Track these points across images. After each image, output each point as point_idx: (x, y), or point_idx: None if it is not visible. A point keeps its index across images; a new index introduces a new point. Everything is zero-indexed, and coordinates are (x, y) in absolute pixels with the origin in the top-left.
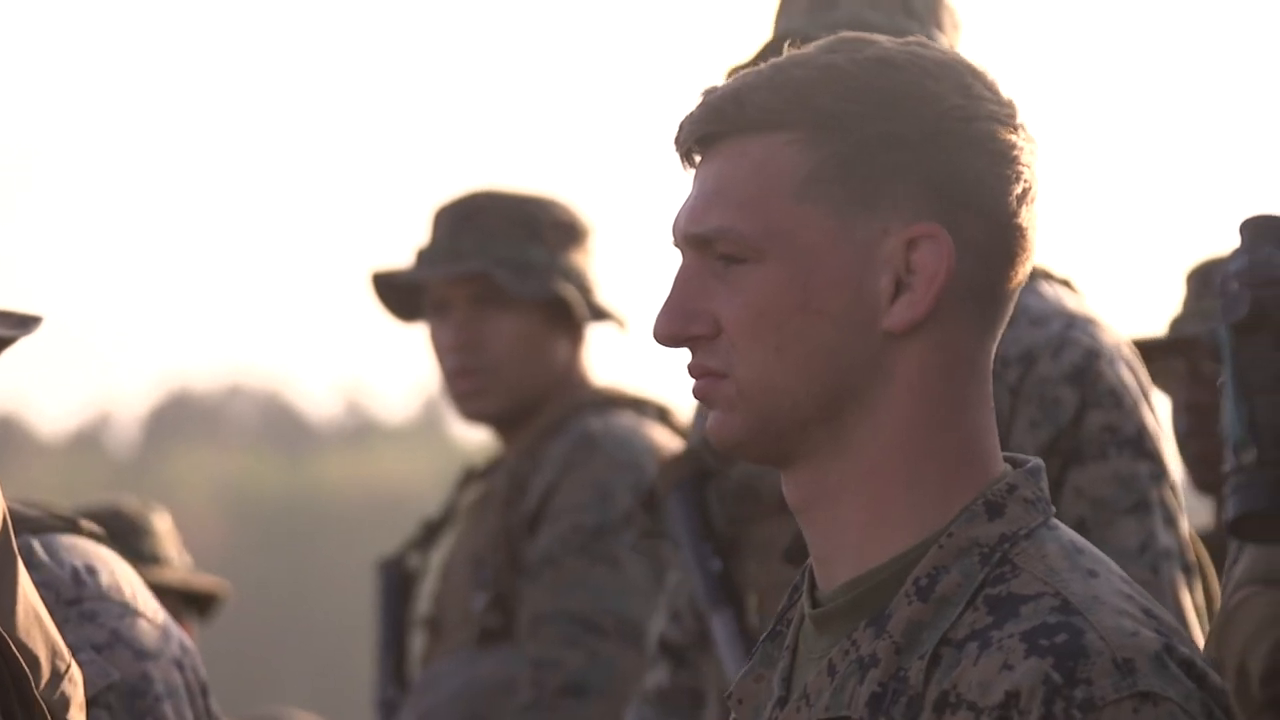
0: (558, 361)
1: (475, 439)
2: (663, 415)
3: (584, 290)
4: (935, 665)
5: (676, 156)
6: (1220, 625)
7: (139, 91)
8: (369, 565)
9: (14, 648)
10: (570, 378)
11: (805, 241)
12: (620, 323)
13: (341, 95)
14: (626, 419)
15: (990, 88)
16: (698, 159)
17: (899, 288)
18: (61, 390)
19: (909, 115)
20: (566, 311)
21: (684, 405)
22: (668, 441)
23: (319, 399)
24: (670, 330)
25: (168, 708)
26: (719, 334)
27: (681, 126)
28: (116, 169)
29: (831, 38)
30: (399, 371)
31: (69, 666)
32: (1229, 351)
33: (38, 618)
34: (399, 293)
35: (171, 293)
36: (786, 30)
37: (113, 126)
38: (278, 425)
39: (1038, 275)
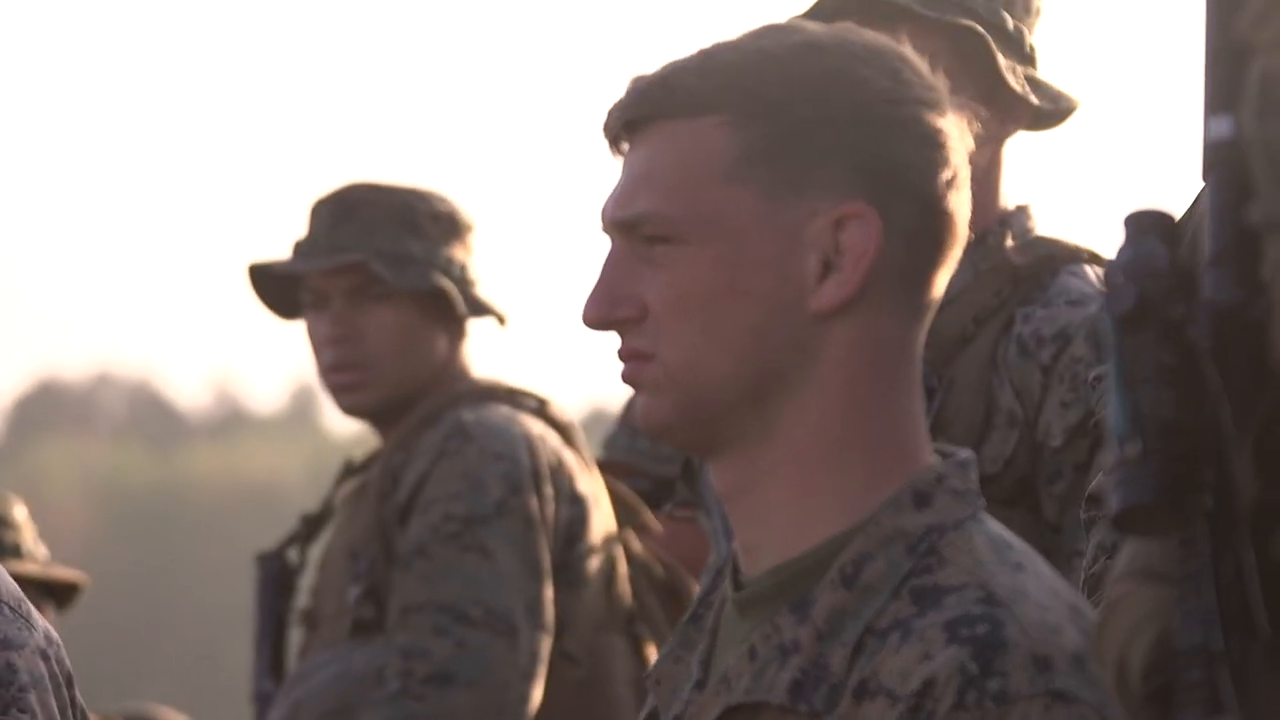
0: (436, 355)
1: (347, 431)
2: (540, 407)
3: (464, 284)
4: (859, 653)
5: (605, 143)
6: (1101, 619)
7: (9, 78)
8: (237, 557)
9: None
10: (449, 371)
11: (733, 223)
12: (500, 317)
13: (219, 84)
14: (501, 410)
15: (919, 72)
16: (625, 146)
17: (827, 268)
18: None
19: (837, 98)
20: (446, 305)
21: (564, 400)
22: (543, 433)
23: (189, 389)
24: (598, 314)
25: (32, 698)
26: (645, 317)
27: (609, 112)
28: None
29: (761, 25)
30: (270, 362)
31: None
32: (1114, 344)
33: None
34: (276, 285)
35: (40, 280)
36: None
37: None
38: (146, 415)
39: (1082, 258)
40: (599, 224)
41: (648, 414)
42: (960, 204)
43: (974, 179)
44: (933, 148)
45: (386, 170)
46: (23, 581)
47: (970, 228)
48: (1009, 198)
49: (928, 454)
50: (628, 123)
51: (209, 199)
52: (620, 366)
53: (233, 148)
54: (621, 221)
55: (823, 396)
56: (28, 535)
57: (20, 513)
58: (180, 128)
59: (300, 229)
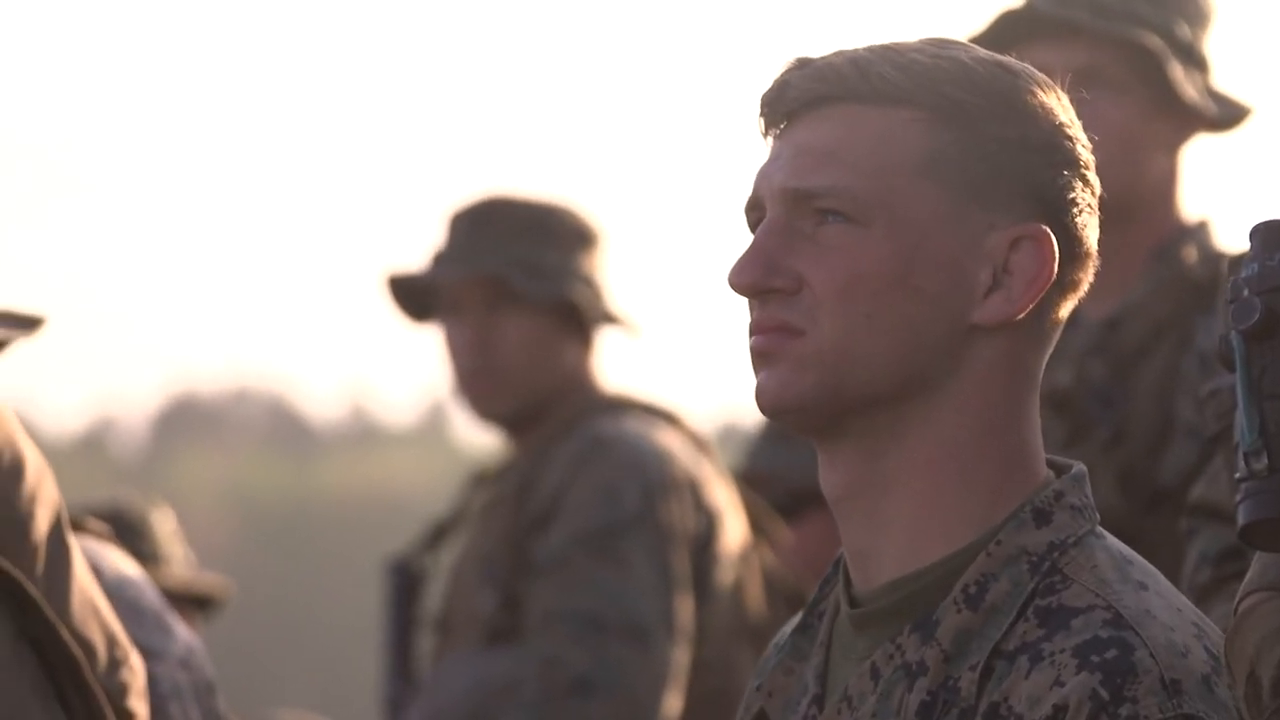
0: (568, 364)
1: (479, 442)
2: (671, 421)
3: (595, 295)
4: (987, 676)
5: (760, 119)
6: (1231, 631)
7: (149, 93)
8: (372, 567)
9: (67, 635)
10: (580, 381)
11: (916, 217)
12: (631, 328)
13: (355, 97)
14: (636, 423)
15: (1069, 107)
16: (783, 124)
17: (994, 283)
18: (67, 392)
19: (1025, 122)
20: (577, 315)
21: (692, 412)
22: (678, 446)
23: (324, 402)
24: (752, 278)
25: (174, 707)
26: (799, 290)
27: (786, 84)
28: (125, 171)
29: (929, 38)
30: (404, 375)
31: (127, 655)
32: (1240, 358)
33: (94, 608)
34: (412, 295)
35: (179, 295)
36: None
37: (122, 129)
38: (283, 428)
39: None
40: (750, 197)
41: (782, 389)
42: (1094, 239)
43: (1152, 189)
44: (1087, 183)
45: (519, 181)
46: (168, 590)
47: (1148, 238)
48: (1188, 210)
49: (1044, 470)
50: (813, 99)
51: (344, 212)
52: (754, 336)
53: (368, 162)
54: (798, 191)
55: (960, 409)
56: (173, 543)
57: (166, 521)
58: (318, 142)
59: (433, 242)
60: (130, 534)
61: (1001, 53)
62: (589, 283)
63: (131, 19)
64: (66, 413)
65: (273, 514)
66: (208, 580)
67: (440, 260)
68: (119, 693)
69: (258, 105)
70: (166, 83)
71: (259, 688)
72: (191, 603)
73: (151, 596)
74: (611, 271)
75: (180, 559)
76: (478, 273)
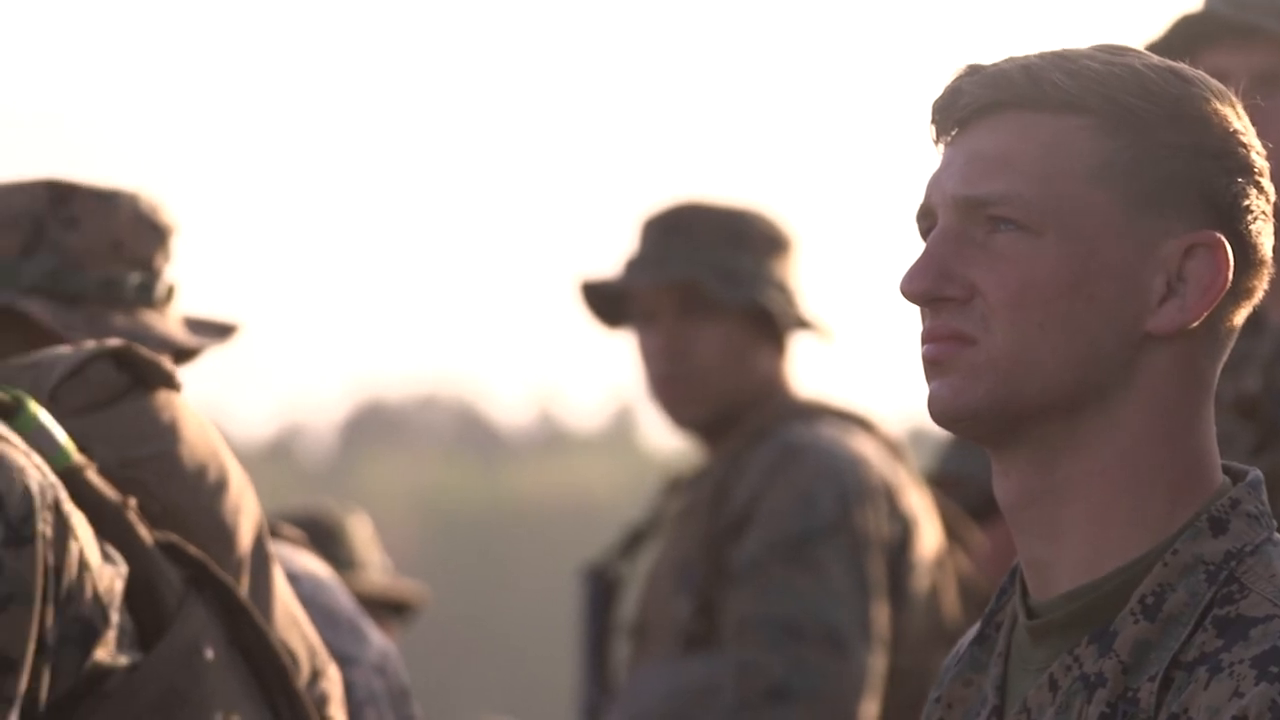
0: (761, 370)
1: (667, 448)
2: (866, 426)
3: (788, 300)
4: (1166, 688)
5: (931, 126)
6: None
7: (334, 100)
8: (559, 572)
9: (276, 642)
10: (774, 386)
11: (1089, 225)
12: (824, 333)
13: (550, 101)
14: (830, 429)
15: (1244, 116)
16: (954, 131)
17: (1169, 291)
18: (256, 399)
19: (1200, 129)
20: (771, 321)
21: (881, 416)
22: (872, 451)
23: (512, 408)
24: (924, 287)
25: (369, 713)
26: (971, 298)
27: (958, 91)
28: (315, 178)
29: (1102, 44)
30: (592, 380)
31: (326, 665)
32: None
33: (294, 619)
34: (605, 301)
35: (367, 301)
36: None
37: (313, 136)
38: (471, 434)
39: None
40: (922, 205)
41: (956, 398)
42: (1269, 246)
43: None
44: (1261, 191)
45: (712, 187)
46: (364, 596)
47: None
48: None
49: (1219, 477)
50: (983, 106)
51: (533, 218)
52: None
53: (560, 167)
54: (970, 199)
55: (1135, 418)
56: (369, 549)
57: (362, 527)
58: (509, 147)
59: (626, 248)
60: (326, 540)
61: (1180, 58)
62: (782, 288)
63: (322, 20)
64: (255, 419)
65: (460, 520)
66: (404, 586)
67: (633, 266)
68: (320, 702)
69: (450, 110)
70: (360, 90)
71: (447, 694)
72: (388, 609)
73: (346, 602)
74: (804, 276)
75: (376, 565)
76: (671, 279)
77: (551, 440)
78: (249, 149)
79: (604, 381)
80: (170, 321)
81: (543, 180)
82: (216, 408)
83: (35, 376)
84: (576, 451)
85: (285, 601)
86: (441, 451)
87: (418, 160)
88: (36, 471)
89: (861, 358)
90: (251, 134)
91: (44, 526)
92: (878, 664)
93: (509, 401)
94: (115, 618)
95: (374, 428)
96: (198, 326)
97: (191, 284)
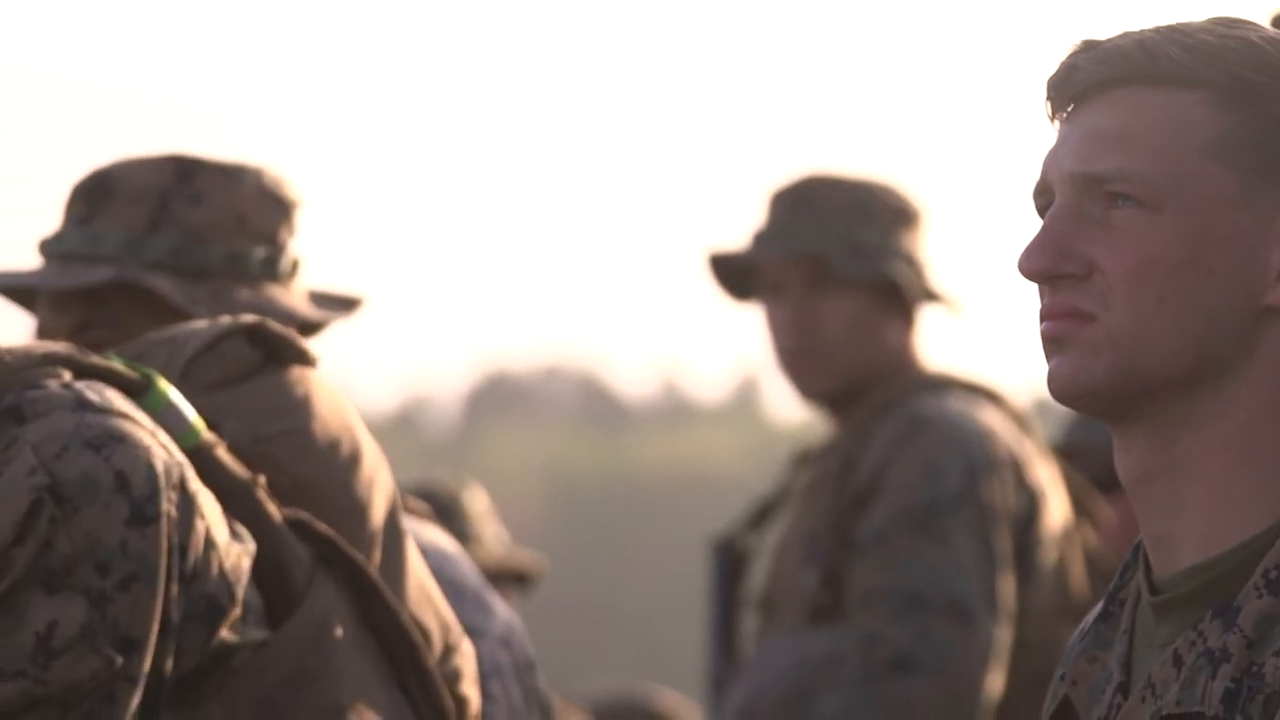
0: (889, 343)
1: (791, 420)
2: (994, 399)
3: (916, 272)
4: None
5: (1046, 102)
6: None
7: (456, 69)
8: (682, 543)
9: (407, 620)
10: (902, 359)
11: (1206, 199)
12: (952, 305)
13: (676, 73)
14: (958, 401)
15: None
16: (1070, 107)
17: None
18: (381, 371)
19: None
20: (899, 293)
21: (1006, 387)
22: (1000, 424)
23: (636, 379)
24: (1043, 265)
25: (495, 685)
26: (1090, 275)
27: (1073, 68)
28: (439, 151)
29: (1217, 17)
30: (715, 351)
31: (459, 641)
32: None
33: (427, 594)
34: (733, 273)
35: (491, 273)
36: None
37: (431, 106)
38: (594, 405)
39: None
40: (1039, 182)
41: (1075, 374)
42: None
43: None
44: None
45: (840, 159)
46: (483, 569)
47: None
48: None
49: None
50: (1099, 82)
51: (656, 189)
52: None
53: (685, 139)
54: (1087, 175)
55: (1254, 392)
56: (486, 522)
57: (478, 500)
58: (632, 119)
59: (752, 220)
60: (443, 514)
61: None
62: (910, 261)
63: (469, 5)
64: (380, 392)
65: (584, 491)
66: (521, 556)
67: (761, 239)
68: (453, 678)
69: (578, 81)
70: (483, 59)
71: (572, 666)
72: (507, 580)
73: (472, 575)
74: (933, 248)
75: (492, 538)
76: (799, 252)
77: (675, 412)
78: (372, 121)
79: (728, 353)
80: (295, 295)
81: (668, 152)
82: (341, 381)
83: (170, 352)
84: (700, 423)
85: (418, 577)
86: (565, 424)
87: (543, 130)
88: (162, 450)
89: (987, 328)
90: (374, 106)
91: (168, 505)
92: (1003, 636)
93: (633, 373)
94: (241, 595)
95: (498, 400)
96: (323, 300)
97: (316, 257)
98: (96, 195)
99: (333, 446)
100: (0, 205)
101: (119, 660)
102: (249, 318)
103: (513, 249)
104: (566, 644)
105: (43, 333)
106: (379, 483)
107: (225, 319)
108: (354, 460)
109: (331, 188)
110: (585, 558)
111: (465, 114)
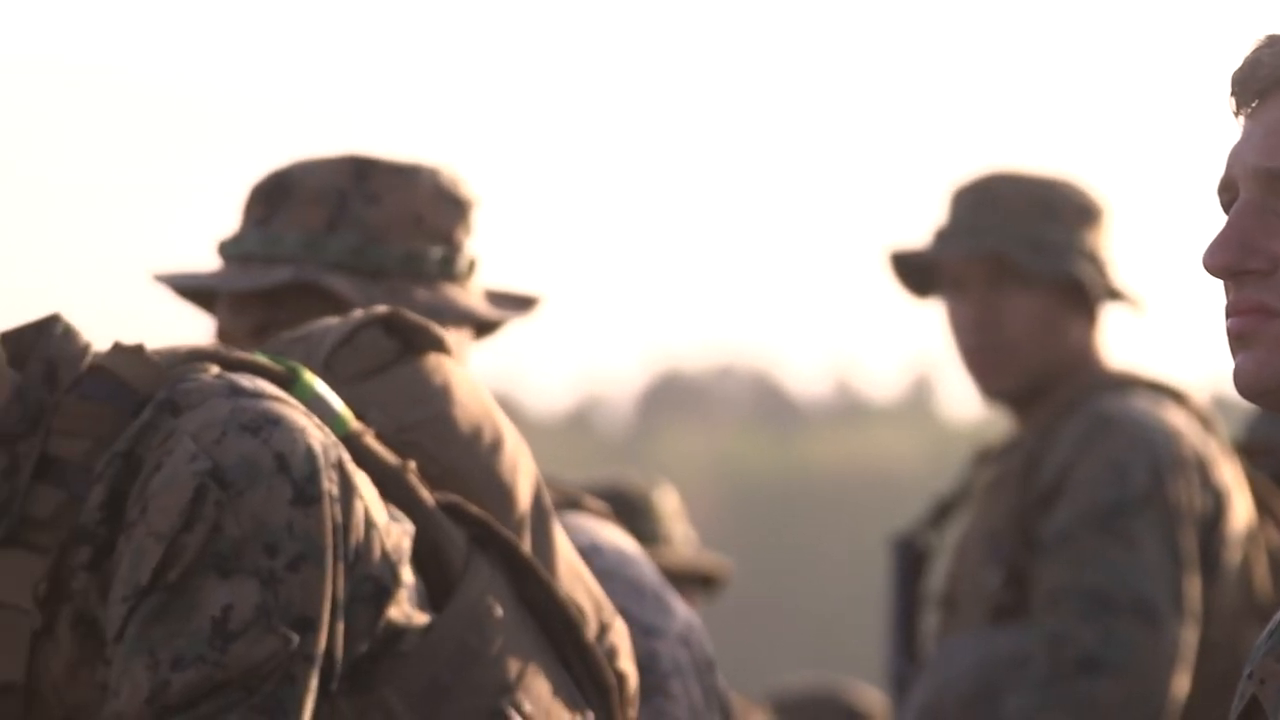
0: (1072, 341)
1: (966, 418)
2: (1178, 398)
3: (1099, 270)
4: None
5: (1231, 98)
6: None
7: (630, 70)
8: (856, 543)
9: (564, 598)
10: (1085, 358)
11: None
12: (1136, 303)
13: (854, 70)
14: (1143, 400)
15: None
16: (1254, 103)
17: None
18: (555, 370)
19: None
20: (1082, 291)
21: (1194, 388)
22: (1185, 424)
23: (809, 378)
24: (1226, 261)
25: (675, 684)
26: (1275, 271)
27: (1257, 63)
28: (612, 149)
29: None
30: (889, 350)
31: (613, 619)
32: None
33: (578, 573)
34: (913, 271)
35: (665, 272)
36: None
37: (605, 105)
38: (767, 404)
39: None
40: (1223, 177)
41: (1260, 370)
42: None
43: None
44: None
45: (1020, 156)
46: (671, 570)
47: None
48: None
49: None
50: None
51: (831, 189)
52: (1230, 319)
53: (862, 137)
54: (1272, 171)
55: None
56: (675, 523)
57: (668, 500)
58: (806, 117)
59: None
60: (631, 513)
61: None
62: (1093, 258)
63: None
64: (554, 391)
65: (757, 490)
66: (709, 559)
67: (944, 237)
68: (610, 655)
69: (753, 78)
70: (657, 59)
71: (748, 664)
72: (693, 581)
73: (651, 574)
74: (1117, 246)
75: (681, 538)
76: (981, 250)
77: (849, 410)
78: (546, 121)
79: (902, 351)
80: (472, 295)
81: (844, 149)
82: (515, 380)
83: (307, 348)
84: (874, 422)
85: (568, 556)
86: (738, 422)
87: (717, 128)
88: (318, 432)
89: (1165, 324)
90: (548, 106)
91: (329, 485)
92: (1189, 637)
93: (806, 371)
94: (405, 576)
95: (672, 398)
96: (499, 299)
97: (491, 256)
98: (275, 196)
99: (475, 432)
100: (184, 210)
101: (295, 639)
102: (382, 309)
103: (687, 247)
104: (743, 643)
105: (222, 334)
106: (522, 467)
107: (359, 311)
108: (496, 445)
109: (507, 187)
110: (758, 557)
111: (640, 112)
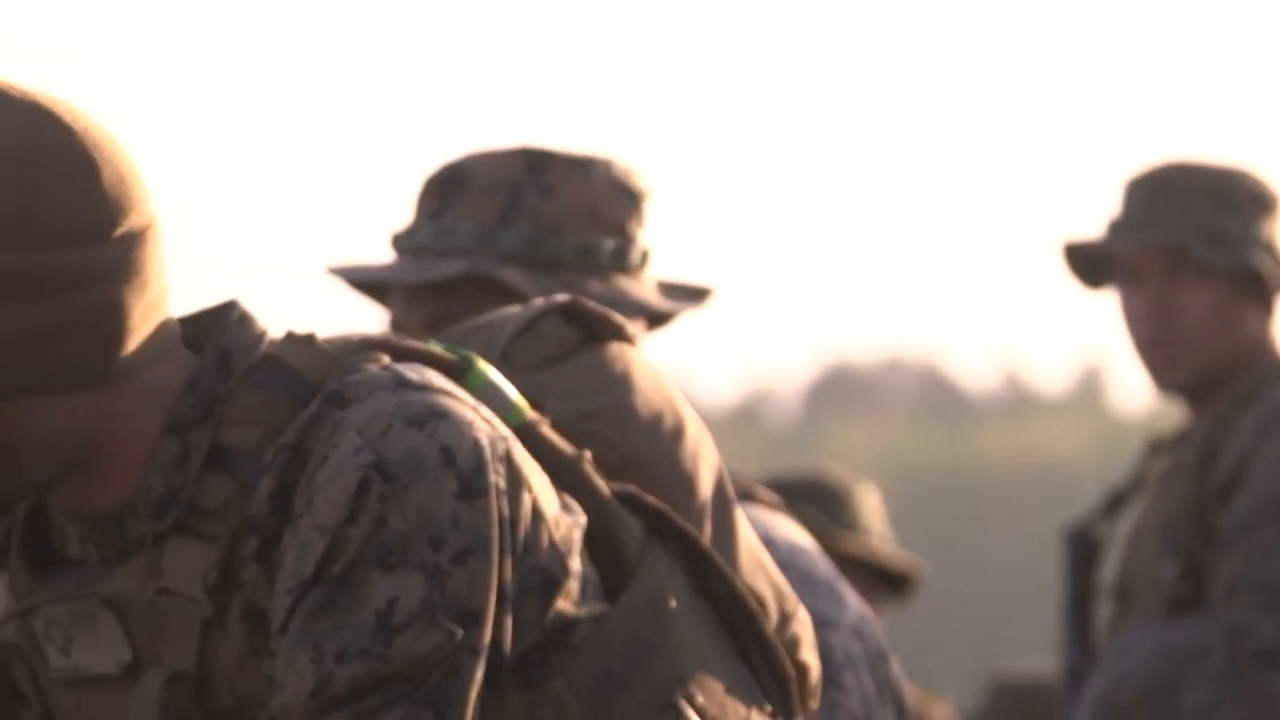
0: (1249, 332)
1: (1135, 409)
2: None
3: (1277, 260)
4: None
5: None
6: None
7: (801, 67)
8: (1025, 536)
9: (743, 589)
10: (1261, 349)
11: None
12: None
13: (1025, 63)
14: None
15: None
16: None
17: None
18: (724, 363)
19: None
20: (1259, 282)
21: None
22: None
23: (977, 370)
24: None
25: (848, 676)
26: None
27: None
28: (779, 144)
29: None
30: (1057, 342)
31: (795, 609)
32: None
33: (760, 563)
34: (1088, 262)
35: (832, 265)
36: None
37: (778, 102)
38: (936, 397)
39: None
40: None
41: None
42: None
43: None
44: None
45: (1197, 147)
46: (866, 564)
47: None
48: None
49: None
50: None
51: (1001, 181)
52: None
53: (1031, 130)
54: None
55: None
56: (875, 519)
57: (871, 498)
58: (974, 113)
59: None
60: (830, 500)
61: None
62: (1270, 249)
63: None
64: (723, 384)
65: (925, 483)
66: (905, 558)
67: (1119, 228)
68: (792, 645)
69: (925, 72)
70: (824, 56)
71: (918, 656)
72: (884, 578)
73: (824, 566)
74: None
75: (879, 534)
76: (1159, 242)
77: (1017, 403)
78: (719, 114)
79: (1071, 343)
80: (645, 286)
81: (1013, 142)
82: (684, 372)
83: (488, 337)
84: (1043, 414)
85: (750, 546)
86: (906, 415)
87: (888, 120)
88: (486, 425)
89: None
90: (722, 100)
91: (496, 478)
92: None
93: (975, 364)
94: (575, 567)
95: (840, 391)
96: (672, 291)
97: (661, 248)
98: (448, 188)
99: (656, 420)
100: (358, 203)
101: (459, 633)
102: (562, 297)
103: (857, 240)
104: (912, 635)
105: (396, 326)
106: (704, 455)
107: (539, 300)
108: (678, 433)
109: (679, 178)
110: (927, 549)
111: (811, 105)
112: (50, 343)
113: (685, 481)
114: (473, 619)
